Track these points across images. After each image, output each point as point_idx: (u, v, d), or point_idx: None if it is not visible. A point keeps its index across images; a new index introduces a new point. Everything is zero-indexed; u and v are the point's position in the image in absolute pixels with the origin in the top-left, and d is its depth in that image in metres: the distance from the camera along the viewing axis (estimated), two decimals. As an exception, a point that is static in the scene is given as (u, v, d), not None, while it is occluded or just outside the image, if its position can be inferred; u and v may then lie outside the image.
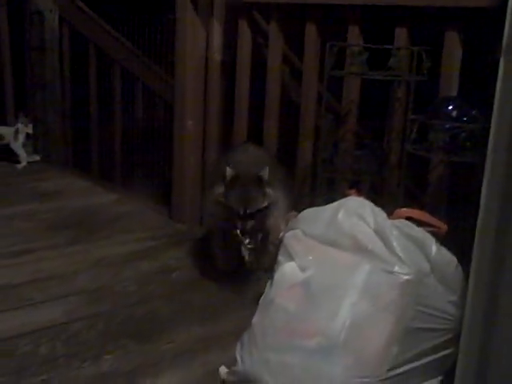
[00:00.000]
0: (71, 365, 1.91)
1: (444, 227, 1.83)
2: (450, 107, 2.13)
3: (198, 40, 3.10)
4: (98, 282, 2.48)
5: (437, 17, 2.31)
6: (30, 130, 4.11)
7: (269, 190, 2.31)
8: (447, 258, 1.74)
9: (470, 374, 1.51)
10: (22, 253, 2.71)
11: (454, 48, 2.27)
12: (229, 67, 3.08)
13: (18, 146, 4.05)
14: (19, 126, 4.04)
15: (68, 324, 2.15)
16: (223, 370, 1.82)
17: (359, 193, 1.99)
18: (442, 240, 1.76)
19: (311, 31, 2.68)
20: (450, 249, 1.75)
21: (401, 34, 2.40)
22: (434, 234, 1.77)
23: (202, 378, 1.87)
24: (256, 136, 2.94)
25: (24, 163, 4.06)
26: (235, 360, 1.79)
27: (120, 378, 1.86)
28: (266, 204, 2.30)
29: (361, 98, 2.57)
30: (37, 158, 4.23)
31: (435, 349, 1.70)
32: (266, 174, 2.29)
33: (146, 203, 3.42)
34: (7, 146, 4.04)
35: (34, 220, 3.12)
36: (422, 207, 1.98)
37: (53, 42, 4.12)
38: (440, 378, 1.77)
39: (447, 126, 2.11)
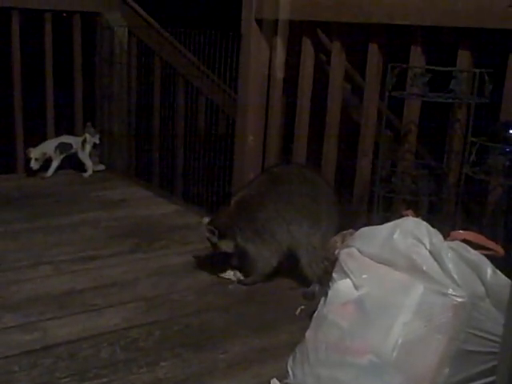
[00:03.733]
0: (130, 369, 1.98)
1: (501, 251, 1.82)
2: (511, 131, 2.12)
3: (262, 57, 3.17)
4: (157, 291, 2.56)
5: (501, 39, 2.30)
6: (96, 140, 4.25)
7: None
8: (503, 281, 1.73)
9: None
10: (87, 259, 2.82)
11: (517, 70, 2.26)
12: (291, 84, 3.13)
13: (85, 156, 4.18)
14: (87, 136, 4.17)
15: (127, 330, 2.22)
16: (275, 382, 1.86)
17: (416, 213, 2.00)
18: (499, 264, 1.75)
19: (373, 50, 2.71)
20: (506, 273, 1.74)
21: (463, 56, 2.40)
22: (490, 257, 1.76)
23: (254, 389, 1.92)
24: (315, 152, 2.98)
25: (90, 172, 4.20)
26: (287, 373, 1.83)
27: (175, 385, 1.92)
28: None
29: (421, 117, 2.58)
30: (102, 167, 4.36)
31: (486, 372, 1.69)
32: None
33: (205, 215, 3.49)
34: (75, 155, 4.18)
35: (98, 228, 3.24)
36: (479, 230, 1.98)
37: (121, 56, 4.27)
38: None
39: (507, 149, 2.10)
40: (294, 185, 2.59)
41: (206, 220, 2.68)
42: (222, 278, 2.70)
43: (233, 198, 2.74)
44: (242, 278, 2.68)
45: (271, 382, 1.87)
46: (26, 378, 1.90)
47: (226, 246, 2.65)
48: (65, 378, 1.91)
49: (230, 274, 2.70)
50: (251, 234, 2.61)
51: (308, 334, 1.84)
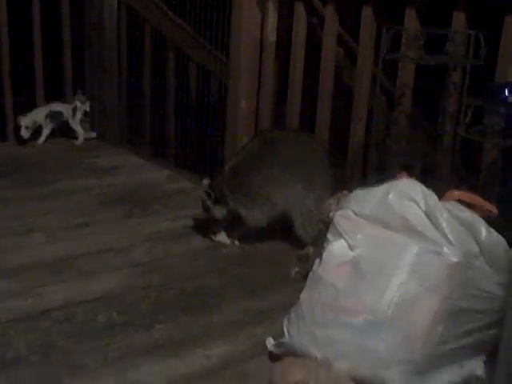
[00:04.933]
0: (127, 332, 1.99)
1: (495, 210, 1.83)
2: (506, 92, 2.12)
3: (253, 20, 3.13)
4: (152, 256, 2.57)
5: (496, 0, 2.28)
6: (87, 107, 4.21)
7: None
8: (496, 240, 1.74)
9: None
10: (81, 226, 2.81)
11: (512, 32, 2.24)
12: (283, 49, 3.10)
13: (75, 123, 4.14)
14: (77, 103, 4.14)
15: (123, 295, 2.23)
16: (270, 341, 1.88)
17: (410, 175, 2.00)
18: (492, 223, 1.76)
19: (367, 13, 2.68)
20: (499, 232, 1.75)
21: (458, 18, 2.38)
22: (484, 217, 1.77)
23: (249, 349, 1.93)
24: (309, 117, 2.97)
25: (81, 140, 4.16)
26: (282, 333, 1.84)
27: (171, 346, 1.94)
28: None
29: (415, 80, 2.56)
30: (93, 134, 4.32)
31: (480, 329, 1.72)
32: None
33: (198, 181, 3.48)
34: (65, 122, 4.14)
35: (91, 195, 3.23)
36: (473, 191, 1.98)
37: (111, 22, 4.21)
38: (483, 358, 1.79)
39: (502, 110, 2.09)
40: (288, 148, 2.59)
41: (206, 182, 2.68)
42: (216, 241, 2.71)
43: (227, 163, 2.74)
44: (236, 242, 2.69)
45: (266, 341, 1.89)
46: (22, 341, 1.91)
47: (220, 213, 2.66)
48: (62, 340, 1.92)
49: (223, 237, 2.70)
50: (243, 197, 2.62)
51: (303, 294, 1.85)
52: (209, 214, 2.69)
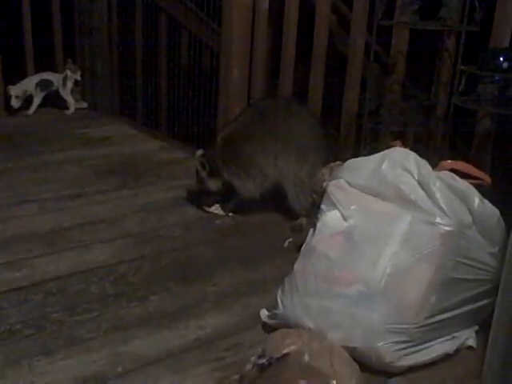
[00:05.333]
0: (120, 304, 1.99)
1: (488, 180, 1.83)
2: (501, 59, 2.09)
3: (246, -13, 3.08)
4: (144, 227, 2.56)
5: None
6: (78, 76, 4.17)
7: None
8: (489, 210, 1.74)
9: (505, 324, 1.53)
10: (73, 197, 2.80)
11: (507, -2, 2.21)
12: (276, 16, 3.06)
13: (66, 93, 4.11)
14: (68, 72, 4.09)
15: (116, 265, 2.23)
16: (264, 312, 1.89)
17: (404, 144, 1.99)
18: (486, 193, 1.76)
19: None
20: (492, 201, 1.75)
21: (453, -17, 2.35)
22: (477, 186, 1.77)
23: (243, 320, 1.93)
24: (302, 86, 2.94)
25: (72, 109, 4.13)
26: (276, 304, 1.85)
27: (165, 317, 1.93)
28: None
29: (409, 47, 2.53)
30: (84, 104, 4.29)
31: (473, 299, 1.73)
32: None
33: (190, 151, 3.46)
34: (56, 92, 4.10)
35: (83, 165, 3.21)
36: (466, 160, 1.98)
37: (101, -12, 4.14)
38: (476, 327, 1.80)
39: (497, 77, 2.07)
40: (281, 118, 2.57)
41: (200, 152, 2.66)
42: (208, 212, 2.70)
43: (219, 134, 2.72)
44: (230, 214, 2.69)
45: (260, 312, 1.89)
46: (16, 314, 1.90)
47: (215, 185, 2.64)
48: (56, 312, 1.92)
49: (216, 209, 2.70)
50: (236, 168, 2.60)
51: (297, 265, 1.85)
52: (203, 185, 2.67)
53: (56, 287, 2.06)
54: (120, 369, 1.69)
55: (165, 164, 3.30)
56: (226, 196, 2.69)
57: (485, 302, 1.74)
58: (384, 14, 2.36)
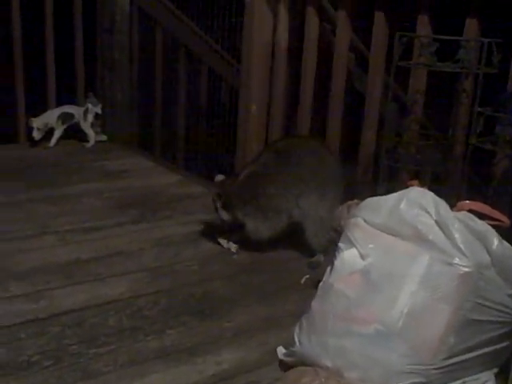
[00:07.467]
0: (136, 337, 2.00)
1: (506, 221, 1.83)
2: (519, 101, 2.11)
3: (265, 26, 3.14)
4: (161, 261, 2.58)
5: (509, 8, 2.28)
6: (98, 110, 4.22)
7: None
8: (508, 251, 1.73)
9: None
10: (91, 230, 2.82)
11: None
12: (295, 54, 3.10)
13: (87, 126, 4.16)
14: (89, 105, 4.15)
15: (133, 299, 2.24)
16: (281, 350, 1.89)
17: (421, 183, 2.00)
18: (504, 234, 1.76)
19: (380, 19, 2.68)
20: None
21: (471, 26, 2.38)
22: (496, 227, 1.77)
23: (260, 357, 1.94)
24: (320, 122, 2.97)
25: (92, 142, 4.17)
26: (293, 341, 1.84)
27: (182, 352, 1.94)
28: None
29: (427, 88, 2.56)
30: (104, 137, 4.34)
31: (492, 341, 1.71)
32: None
33: (208, 186, 3.49)
34: (77, 125, 4.15)
35: (101, 198, 3.24)
36: (485, 201, 1.98)
37: (123, 25, 4.22)
38: (495, 370, 1.78)
39: (515, 120, 2.09)
40: (301, 158, 2.58)
41: (220, 178, 2.68)
42: (224, 247, 2.71)
43: (242, 172, 2.71)
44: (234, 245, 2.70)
45: (277, 349, 1.89)
46: (34, 345, 1.92)
47: (226, 216, 2.65)
48: (73, 345, 1.93)
49: (231, 245, 2.70)
50: (254, 210, 2.61)
51: (314, 303, 1.85)
52: (217, 213, 2.68)
53: (73, 320, 2.08)
54: (137, 403, 1.69)
55: (182, 198, 3.33)
56: (234, 229, 2.69)
57: (504, 344, 1.72)
58: (402, 54, 2.39)
